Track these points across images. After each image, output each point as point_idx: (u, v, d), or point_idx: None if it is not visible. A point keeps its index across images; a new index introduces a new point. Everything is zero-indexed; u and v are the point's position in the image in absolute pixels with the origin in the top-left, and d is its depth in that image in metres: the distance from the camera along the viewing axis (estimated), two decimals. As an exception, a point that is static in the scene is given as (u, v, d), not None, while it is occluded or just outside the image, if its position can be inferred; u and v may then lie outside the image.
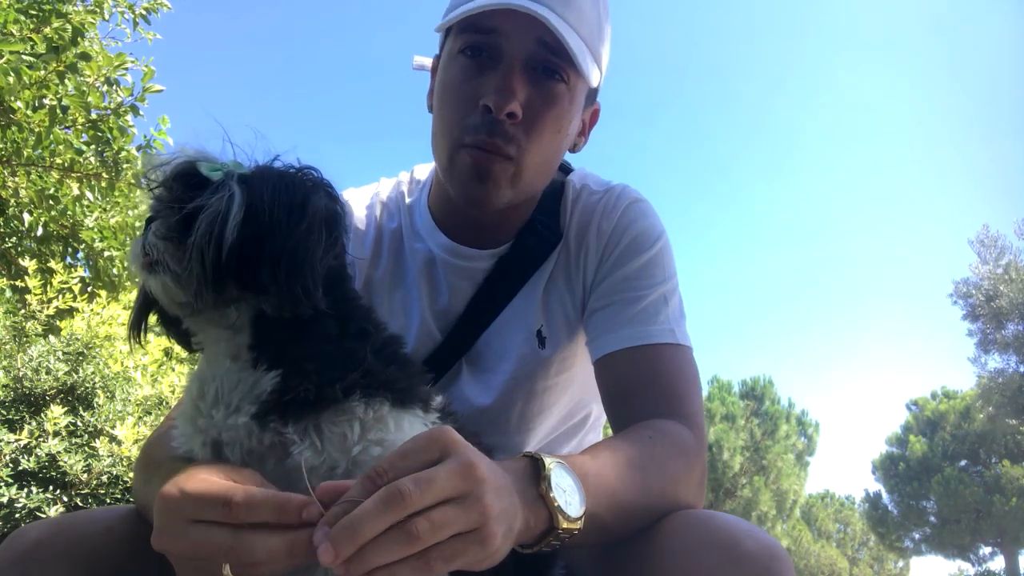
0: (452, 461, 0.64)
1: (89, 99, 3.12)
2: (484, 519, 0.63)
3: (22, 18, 2.74)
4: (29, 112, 2.94)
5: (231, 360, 0.77)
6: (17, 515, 5.20)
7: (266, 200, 0.73)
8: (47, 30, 2.77)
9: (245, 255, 0.71)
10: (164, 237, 0.74)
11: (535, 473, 0.75)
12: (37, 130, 2.96)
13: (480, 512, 0.62)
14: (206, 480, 0.65)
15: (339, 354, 0.75)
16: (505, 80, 1.01)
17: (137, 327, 0.85)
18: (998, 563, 22.60)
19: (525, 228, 1.18)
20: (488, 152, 1.03)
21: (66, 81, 2.97)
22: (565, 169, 1.26)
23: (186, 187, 0.76)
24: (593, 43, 1.05)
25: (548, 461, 0.76)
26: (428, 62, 1.21)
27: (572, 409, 1.28)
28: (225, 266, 0.71)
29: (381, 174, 1.36)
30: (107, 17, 3.49)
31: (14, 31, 2.66)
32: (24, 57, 2.59)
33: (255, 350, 0.76)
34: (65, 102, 3.00)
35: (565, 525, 0.74)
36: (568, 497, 0.75)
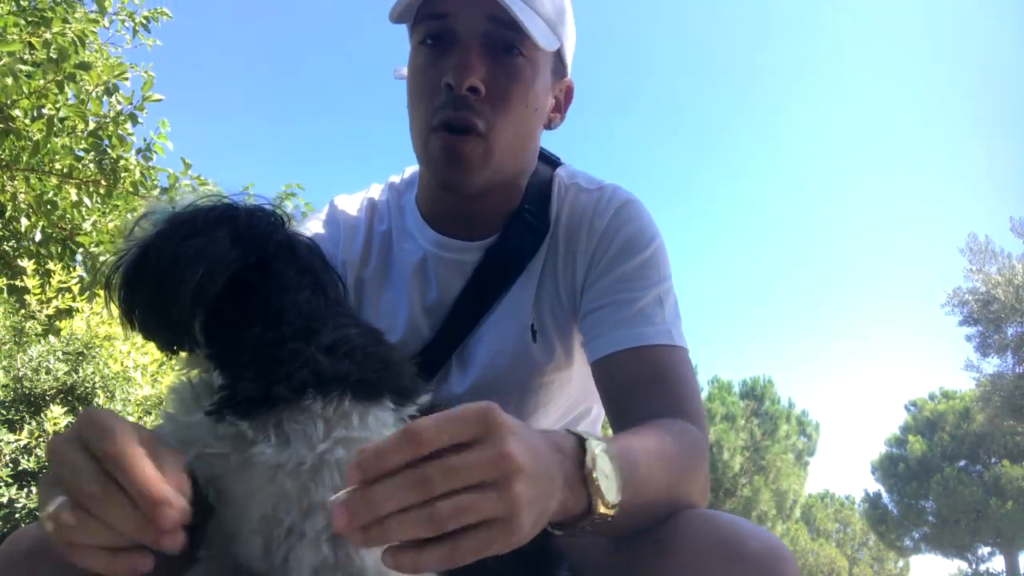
0: (489, 448, 0.60)
1: (89, 106, 3.12)
2: (513, 509, 0.60)
3: (22, 22, 2.73)
4: (27, 121, 2.94)
5: (200, 370, 0.82)
6: (17, 515, 5.20)
7: (155, 247, 0.78)
8: (46, 34, 2.76)
9: (125, 302, 0.78)
10: (104, 283, 0.81)
11: (580, 453, 0.73)
12: (36, 138, 2.96)
13: (509, 501, 0.60)
14: (121, 426, 0.62)
15: (281, 356, 0.75)
16: (462, 57, 1.04)
17: None
18: (997, 563, 22.63)
19: (512, 218, 1.18)
20: (458, 132, 1.05)
21: (65, 91, 2.96)
22: (553, 162, 1.27)
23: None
24: (547, 13, 1.08)
25: (594, 445, 0.74)
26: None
27: (569, 407, 1.28)
28: (120, 311, 0.78)
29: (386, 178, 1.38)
30: (107, 24, 3.49)
31: (13, 34, 2.65)
32: (23, 67, 2.59)
33: (212, 359, 0.80)
34: (64, 112, 3.00)
35: (601, 510, 0.73)
36: (608, 483, 0.74)
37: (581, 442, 0.75)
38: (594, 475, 0.72)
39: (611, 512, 0.74)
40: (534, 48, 1.07)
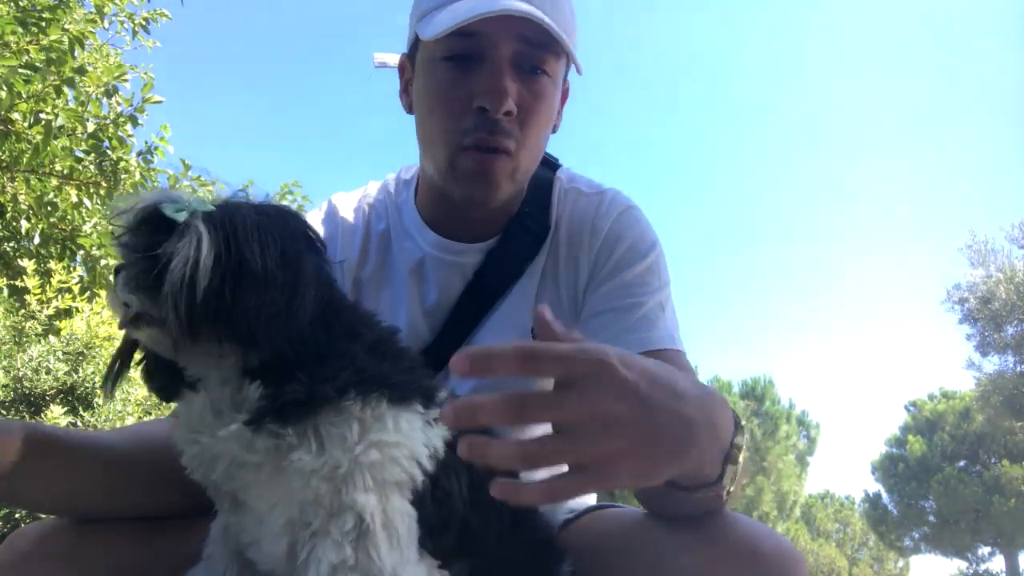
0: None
1: (89, 108, 3.13)
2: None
3: (19, 29, 2.75)
4: (26, 125, 2.95)
5: (222, 383, 0.77)
6: (17, 515, 5.23)
7: (250, 248, 0.72)
8: (45, 41, 2.77)
9: (221, 302, 0.70)
10: (137, 288, 0.73)
11: (734, 431, 0.74)
12: (35, 141, 2.96)
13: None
14: None
15: (329, 356, 0.75)
16: (496, 81, 1.02)
17: (114, 379, 0.83)
18: (997, 563, 22.66)
19: (513, 221, 1.19)
20: (491, 152, 1.05)
21: (63, 95, 2.96)
22: (552, 165, 1.28)
23: (153, 231, 0.74)
24: (569, 28, 1.08)
25: (743, 429, 0.76)
26: (390, 59, 1.20)
27: None
28: (201, 314, 0.70)
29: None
30: (107, 25, 3.50)
31: (11, 42, 2.66)
32: (20, 71, 2.59)
33: (247, 370, 0.76)
34: (62, 118, 3.00)
35: (728, 487, 0.75)
36: (735, 468, 0.75)
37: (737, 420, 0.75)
38: (740, 455, 0.74)
39: (741, 441, 0.75)
40: (555, 64, 1.07)
